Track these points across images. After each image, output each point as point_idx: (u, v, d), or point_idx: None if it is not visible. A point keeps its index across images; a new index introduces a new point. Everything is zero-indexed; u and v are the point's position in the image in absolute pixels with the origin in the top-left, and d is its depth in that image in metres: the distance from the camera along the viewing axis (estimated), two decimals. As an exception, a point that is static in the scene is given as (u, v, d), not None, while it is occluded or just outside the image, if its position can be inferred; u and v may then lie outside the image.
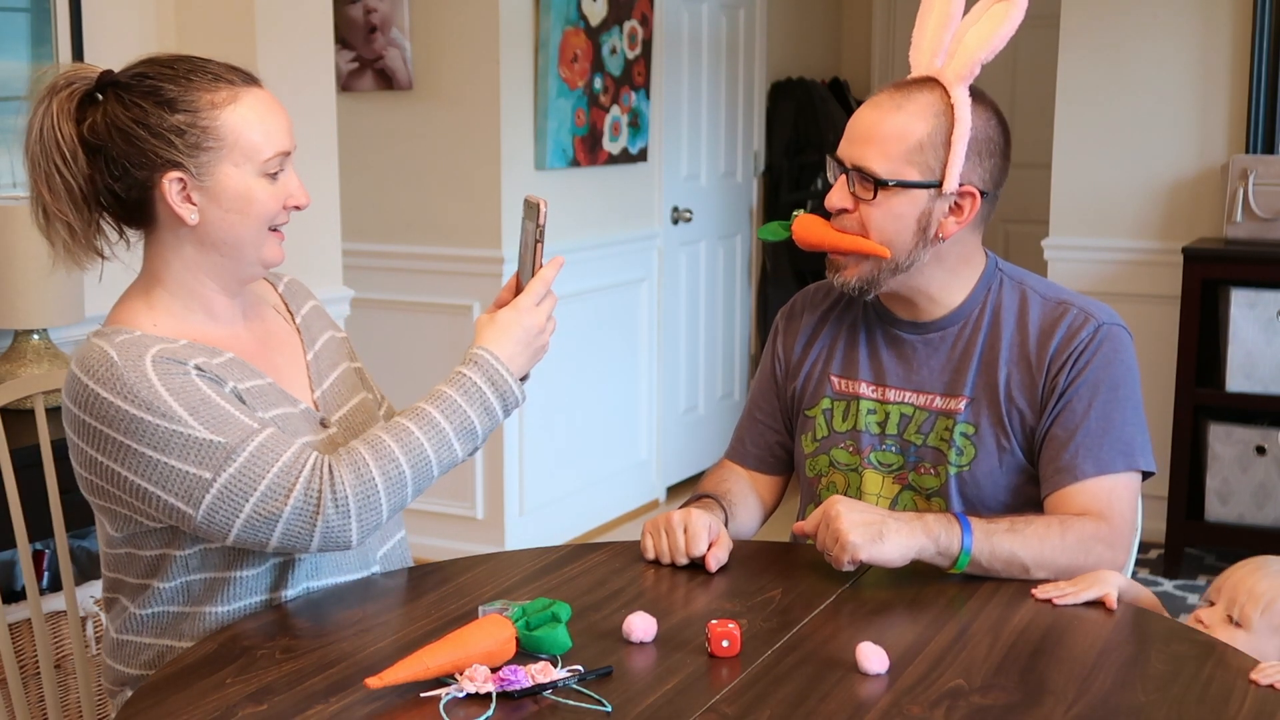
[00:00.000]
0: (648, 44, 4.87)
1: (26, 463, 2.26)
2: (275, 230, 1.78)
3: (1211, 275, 4.29)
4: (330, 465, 1.67)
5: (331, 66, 3.54)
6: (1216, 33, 4.51)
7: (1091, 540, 1.86)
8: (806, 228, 1.99)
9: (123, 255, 1.84)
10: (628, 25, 4.74)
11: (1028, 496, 1.98)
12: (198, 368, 1.70)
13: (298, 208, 1.79)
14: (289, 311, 1.95)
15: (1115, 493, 1.91)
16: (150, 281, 1.79)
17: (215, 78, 1.73)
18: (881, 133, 1.90)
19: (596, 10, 4.57)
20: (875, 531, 1.77)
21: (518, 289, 1.80)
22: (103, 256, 1.80)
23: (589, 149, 4.64)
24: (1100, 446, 1.92)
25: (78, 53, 3.19)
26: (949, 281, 2.00)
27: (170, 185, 1.71)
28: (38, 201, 1.74)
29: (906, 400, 2.02)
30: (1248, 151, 4.46)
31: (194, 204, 1.73)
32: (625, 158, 4.84)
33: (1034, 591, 1.77)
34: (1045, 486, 1.95)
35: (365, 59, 4.43)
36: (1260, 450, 4.26)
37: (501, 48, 4.28)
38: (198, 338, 1.77)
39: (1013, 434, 1.96)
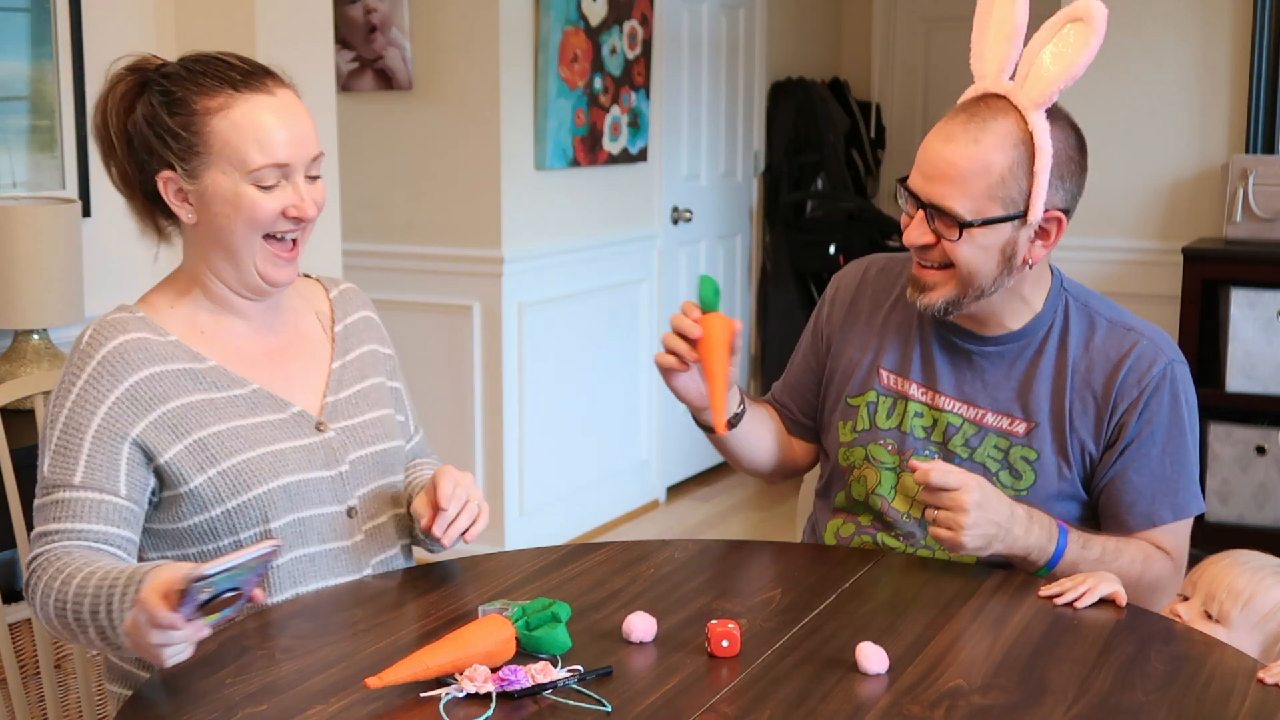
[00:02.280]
0: (648, 44, 4.87)
1: (26, 463, 2.26)
2: (278, 240, 1.77)
3: (1211, 275, 4.29)
4: (39, 565, 1.68)
5: (331, 66, 3.53)
6: (1216, 33, 4.51)
7: (1166, 576, 1.92)
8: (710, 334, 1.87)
9: (170, 252, 1.88)
10: (628, 25, 4.74)
11: (1071, 516, 1.96)
12: (135, 386, 1.72)
13: (300, 219, 1.76)
14: (333, 319, 1.95)
15: (1182, 534, 1.96)
16: (181, 270, 1.86)
17: (220, 81, 1.74)
18: (960, 169, 1.82)
19: (596, 10, 4.57)
20: (985, 542, 1.79)
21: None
22: (161, 236, 1.85)
23: (589, 149, 4.64)
24: (1176, 493, 1.94)
25: (78, 53, 3.19)
26: (1021, 302, 1.96)
27: (166, 185, 1.76)
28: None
29: (957, 410, 1.98)
30: (1248, 151, 4.46)
31: (190, 204, 1.76)
32: (625, 158, 4.84)
33: (1042, 591, 1.77)
34: (1119, 527, 1.95)
35: (365, 59, 4.43)
36: (1260, 450, 4.26)
37: (501, 48, 4.28)
38: (204, 332, 1.81)
39: (1074, 464, 1.95)
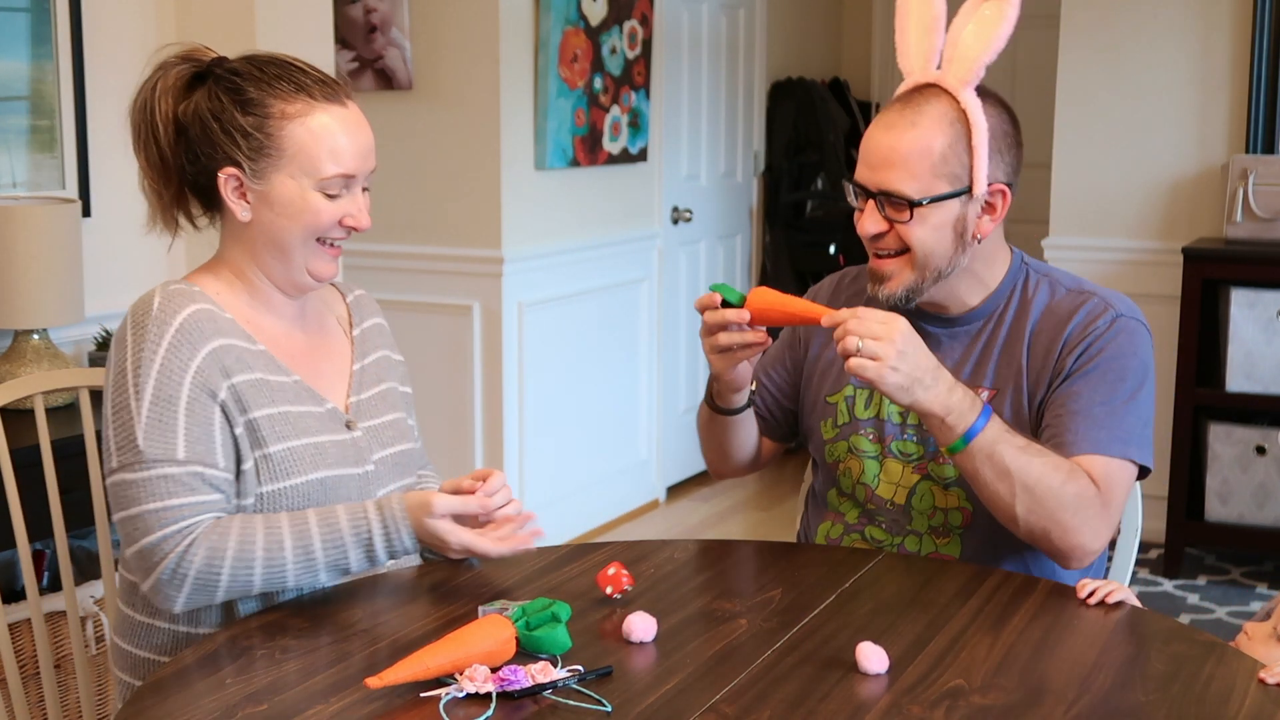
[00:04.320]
0: (648, 44, 4.87)
1: (26, 463, 2.26)
2: (328, 244, 1.82)
3: (1211, 275, 4.29)
4: (194, 538, 1.69)
5: (331, 66, 3.54)
6: (1216, 33, 4.51)
7: (1088, 500, 1.86)
8: (762, 301, 1.90)
9: (175, 253, 1.89)
10: (628, 25, 4.74)
11: None
12: (213, 353, 1.74)
13: (354, 229, 1.81)
14: (350, 323, 1.98)
15: (1110, 475, 1.90)
16: (219, 263, 1.87)
17: (298, 88, 1.77)
18: (903, 153, 1.89)
19: (596, 10, 4.57)
20: (906, 382, 1.79)
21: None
22: (179, 229, 1.87)
23: (589, 149, 4.64)
24: (1100, 428, 1.91)
25: (78, 53, 3.20)
26: (977, 279, 2.01)
27: (227, 181, 1.77)
28: (138, 163, 1.84)
29: None
30: (1248, 151, 4.46)
31: (248, 202, 1.78)
32: (625, 158, 4.84)
33: (1080, 588, 1.77)
34: None
35: (365, 59, 4.43)
36: (1260, 450, 4.26)
37: (501, 48, 4.28)
38: (248, 321, 1.83)
39: (1031, 420, 1.97)
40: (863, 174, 1.94)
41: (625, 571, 1.74)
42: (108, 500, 1.77)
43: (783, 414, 2.21)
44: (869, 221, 1.94)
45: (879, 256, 1.96)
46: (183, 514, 1.70)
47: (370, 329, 2.00)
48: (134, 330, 1.75)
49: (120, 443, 1.72)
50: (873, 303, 2.05)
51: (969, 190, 1.91)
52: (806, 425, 2.16)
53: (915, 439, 2.03)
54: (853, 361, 1.79)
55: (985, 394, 1.98)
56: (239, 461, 1.76)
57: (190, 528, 1.70)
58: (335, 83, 1.81)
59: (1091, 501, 1.86)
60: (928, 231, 1.91)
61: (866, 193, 1.93)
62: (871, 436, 2.05)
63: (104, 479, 1.77)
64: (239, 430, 1.76)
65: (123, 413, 1.72)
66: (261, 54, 1.82)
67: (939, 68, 1.94)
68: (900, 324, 1.80)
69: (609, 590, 1.73)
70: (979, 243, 1.96)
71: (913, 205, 1.89)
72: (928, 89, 1.93)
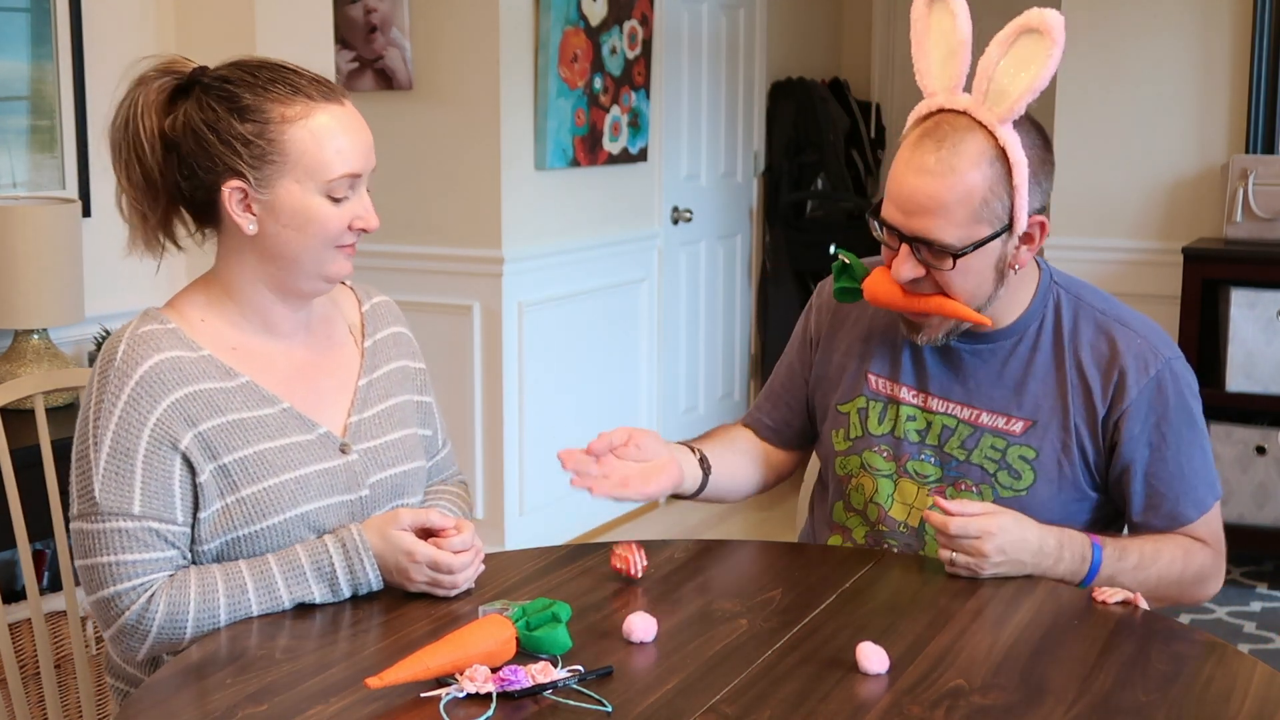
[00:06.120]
0: (648, 44, 4.87)
1: (26, 463, 2.26)
2: (341, 246, 1.76)
3: (1211, 275, 4.29)
4: (152, 593, 1.68)
5: (331, 66, 3.54)
6: (1216, 32, 4.51)
7: (1206, 570, 1.93)
8: (876, 288, 1.88)
9: (174, 253, 1.86)
10: (628, 25, 4.74)
11: (1077, 516, 1.95)
12: (175, 404, 1.70)
13: (364, 230, 1.76)
14: (363, 333, 1.93)
15: (1213, 524, 1.96)
16: (214, 280, 1.80)
17: (294, 90, 1.71)
18: (943, 201, 1.78)
19: (596, 10, 4.57)
20: (1011, 574, 1.78)
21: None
22: (164, 250, 1.81)
23: (589, 149, 4.64)
24: (1196, 489, 1.93)
25: (78, 53, 3.19)
26: (1010, 298, 1.92)
27: (231, 194, 1.71)
28: (118, 185, 1.77)
29: (951, 412, 1.96)
30: (1248, 151, 4.46)
31: (254, 214, 1.72)
32: (625, 158, 4.84)
33: (1095, 595, 1.77)
34: (1146, 528, 1.94)
35: (365, 59, 4.43)
36: (1260, 450, 4.26)
37: (501, 48, 4.28)
38: (236, 348, 1.77)
39: (1075, 461, 1.93)
40: (895, 217, 1.83)
41: (640, 552, 1.77)
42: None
43: (800, 424, 2.16)
44: (906, 268, 1.83)
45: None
46: (137, 570, 1.68)
47: (385, 339, 1.95)
48: (99, 376, 1.71)
49: (79, 490, 1.70)
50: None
51: (1010, 228, 1.83)
52: (818, 429, 2.12)
53: (934, 460, 1.97)
54: (950, 570, 1.79)
55: (1020, 424, 1.93)
56: (197, 509, 1.72)
57: (147, 584, 1.68)
58: (330, 83, 1.77)
59: (1210, 562, 1.94)
60: (970, 278, 1.83)
61: (900, 235, 1.83)
62: (886, 454, 1.99)
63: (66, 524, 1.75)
64: (203, 478, 1.71)
65: (83, 461, 1.70)
66: (248, 59, 1.75)
67: (964, 90, 1.84)
68: (992, 538, 1.76)
69: (618, 567, 1.77)
70: (1016, 272, 1.88)
71: (956, 256, 1.80)
72: (958, 118, 1.81)
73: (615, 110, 4.74)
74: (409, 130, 4.44)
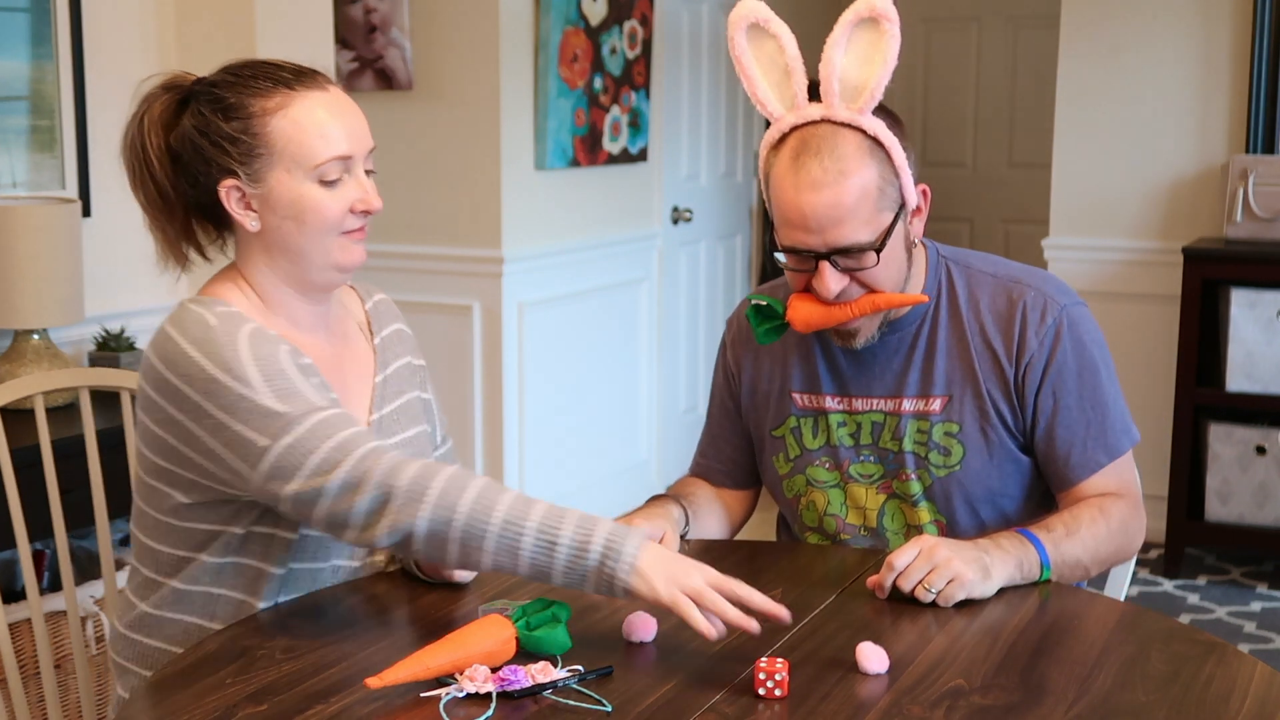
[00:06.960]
0: (648, 44, 4.87)
1: (26, 463, 2.27)
2: (347, 233, 1.75)
3: (1211, 275, 4.29)
4: (389, 460, 1.61)
5: (331, 66, 3.54)
6: (1216, 33, 4.51)
7: (1126, 519, 1.94)
8: (805, 315, 1.89)
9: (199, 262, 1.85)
10: (628, 25, 4.74)
11: (1015, 482, 1.99)
12: (291, 350, 1.71)
13: (367, 211, 1.76)
14: (370, 331, 1.93)
15: (1123, 475, 1.99)
16: (234, 274, 1.81)
17: (274, 82, 1.73)
18: (847, 207, 1.81)
19: (596, 10, 4.57)
20: (983, 569, 1.75)
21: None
22: (189, 261, 1.82)
23: (589, 149, 4.64)
24: (1105, 434, 1.96)
25: (78, 53, 3.20)
26: (912, 280, 1.97)
27: (229, 193, 1.73)
28: (139, 202, 1.79)
29: (875, 407, 2.00)
30: (1248, 151, 4.46)
31: (253, 210, 1.74)
32: (625, 158, 4.84)
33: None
34: (1059, 482, 1.98)
35: (365, 59, 4.43)
36: (1260, 450, 4.26)
37: (501, 48, 4.28)
38: (284, 335, 1.77)
39: (996, 426, 1.96)
40: (804, 239, 1.84)
41: (783, 674, 1.48)
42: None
43: (749, 460, 2.15)
44: (832, 282, 1.84)
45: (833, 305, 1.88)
46: (359, 440, 1.62)
47: (390, 336, 1.95)
48: (200, 345, 1.66)
49: (258, 425, 1.63)
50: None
51: (904, 205, 1.87)
52: (760, 462, 2.12)
53: (874, 459, 2.00)
54: (940, 600, 1.72)
55: (939, 402, 1.96)
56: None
57: (379, 448, 1.62)
58: (312, 71, 1.77)
59: (1127, 512, 1.95)
60: (892, 266, 1.88)
61: (815, 255, 1.84)
62: (828, 465, 2.02)
63: (257, 491, 1.66)
64: None
65: (241, 404, 1.63)
66: (237, 62, 1.77)
67: (811, 98, 1.87)
68: (929, 543, 1.74)
69: (760, 691, 1.48)
70: (917, 245, 1.96)
71: (878, 249, 1.84)
72: (819, 127, 1.84)
73: (615, 110, 4.74)
74: (409, 130, 4.44)
